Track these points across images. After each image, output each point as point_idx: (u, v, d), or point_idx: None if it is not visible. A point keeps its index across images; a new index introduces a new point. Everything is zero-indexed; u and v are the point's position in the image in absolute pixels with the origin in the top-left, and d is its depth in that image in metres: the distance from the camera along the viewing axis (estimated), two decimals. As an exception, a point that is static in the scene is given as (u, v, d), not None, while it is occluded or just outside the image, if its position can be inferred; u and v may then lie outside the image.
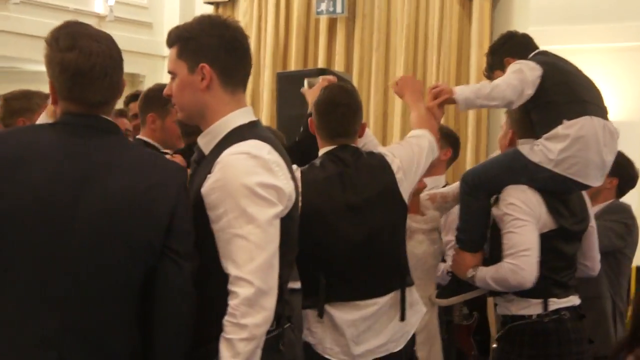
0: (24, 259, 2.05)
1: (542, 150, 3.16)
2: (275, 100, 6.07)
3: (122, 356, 2.14)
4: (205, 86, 2.29)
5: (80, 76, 2.12)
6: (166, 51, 2.42)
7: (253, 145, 2.22)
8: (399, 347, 2.92)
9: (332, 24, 7.37)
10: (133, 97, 4.55)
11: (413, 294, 3.00)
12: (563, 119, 3.15)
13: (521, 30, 3.57)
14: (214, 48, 2.29)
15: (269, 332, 2.20)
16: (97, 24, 7.29)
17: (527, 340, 3.20)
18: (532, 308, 3.22)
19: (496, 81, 3.22)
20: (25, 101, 3.57)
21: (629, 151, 4.11)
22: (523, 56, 3.31)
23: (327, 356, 2.91)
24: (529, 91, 3.17)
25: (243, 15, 7.62)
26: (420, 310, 3.02)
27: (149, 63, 7.60)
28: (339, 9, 7.21)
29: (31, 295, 2.05)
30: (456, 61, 6.73)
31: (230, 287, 2.14)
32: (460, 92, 3.21)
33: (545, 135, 3.18)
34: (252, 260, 2.13)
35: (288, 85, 5.19)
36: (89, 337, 2.09)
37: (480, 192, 3.30)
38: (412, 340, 2.98)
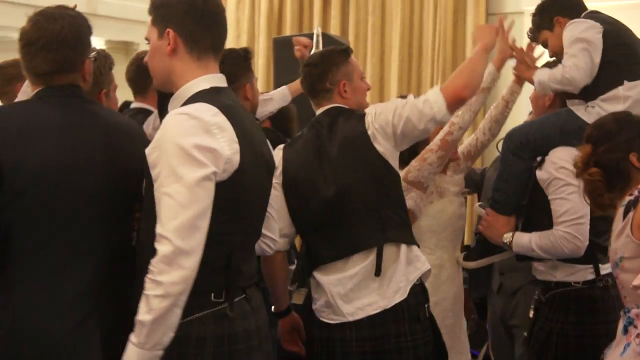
0: (53, 220, 2.31)
1: (599, 113, 3.07)
2: (272, 66, 6.02)
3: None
4: (171, 50, 2.35)
5: (28, 46, 2.44)
6: (162, 19, 2.48)
7: (197, 108, 2.26)
8: (392, 303, 2.88)
9: (327, -13, 7.29)
10: None
11: (413, 251, 2.96)
12: (624, 79, 3.10)
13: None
14: (180, 14, 2.36)
15: (217, 303, 2.28)
16: (90, -8, 7.22)
17: (573, 308, 3.15)
18: (580, 274, 3.18)
19: (565, 63, 3.11)
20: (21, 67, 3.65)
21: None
22: (575, 15, 3.22)
23: (322, 319, 2.94)
24: (598, 59, 3.09)
25: (236, -19, 7.53)
26: (419, 268, 2.96)
27: (144, 31, 7.51)
28: (333, -28, 7.12)
29: (64, 252, 2.32)
30: (452, 22, 6.66)
31: (155, 244, 2.17)
32: (538, 74, 3.10)
33: (602, 97, 3.12)
34: (175, 218, 2.15)
35: (284, 50, 5.16)
36: (117, 287, 2.39)
37: (527, 151, 3.21)
38: (414, 298, 2.92)
